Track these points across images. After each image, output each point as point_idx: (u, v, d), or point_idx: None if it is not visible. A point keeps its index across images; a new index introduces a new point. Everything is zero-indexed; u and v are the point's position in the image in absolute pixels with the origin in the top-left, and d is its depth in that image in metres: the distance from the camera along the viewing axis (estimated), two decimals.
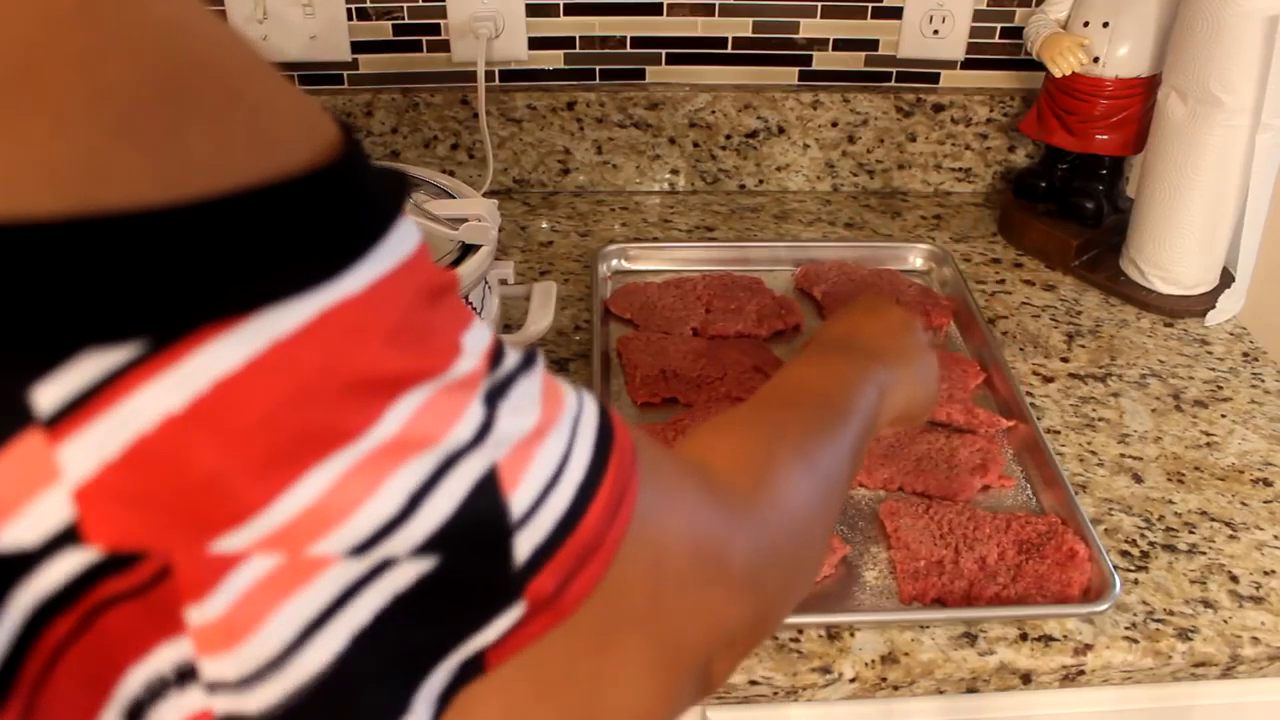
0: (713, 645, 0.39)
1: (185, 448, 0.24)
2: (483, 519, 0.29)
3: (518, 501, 0.30)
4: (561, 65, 1.25)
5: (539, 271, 1.14)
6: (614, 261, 1.15)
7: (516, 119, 1.24)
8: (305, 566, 0.26)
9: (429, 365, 0.28)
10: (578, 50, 1.24)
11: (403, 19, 1.21)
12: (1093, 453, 0.92)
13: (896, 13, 1.23)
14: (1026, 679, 0.74)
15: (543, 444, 0.32)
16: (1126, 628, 0.76)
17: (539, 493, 0.31)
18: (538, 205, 1.27)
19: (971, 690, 0.75)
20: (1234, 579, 0.80)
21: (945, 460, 0.88)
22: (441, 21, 1.21)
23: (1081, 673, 0.74)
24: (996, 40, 1.25)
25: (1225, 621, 0.77)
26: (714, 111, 1.25)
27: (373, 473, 0.27)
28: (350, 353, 0.26)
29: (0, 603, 0.23)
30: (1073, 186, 1.19)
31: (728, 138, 1.27)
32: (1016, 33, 1.24)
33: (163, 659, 0.25)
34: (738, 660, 0.42)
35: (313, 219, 0.26)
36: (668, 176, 1.30)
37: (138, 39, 0.24)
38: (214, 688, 0.26)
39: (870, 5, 1.22)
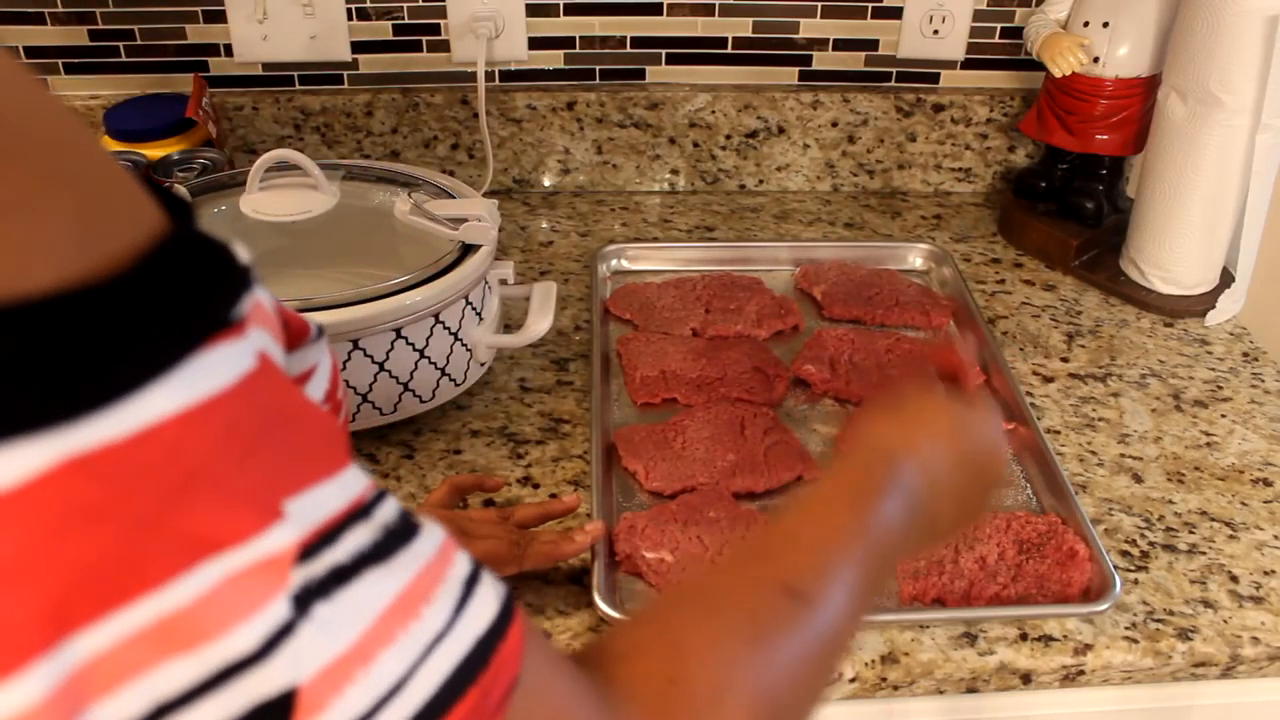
0: None
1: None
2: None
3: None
4: (561, 65, 1.25)
5: (539, 271, 1.14)
6: (613, 262, 1.15)
7: (516, 119, 1.24)
8: None
9: (216, 532, 0.23)
10: (578, 50, 1.24)
11: (403, 19, 1.21)
12: (1093, 453, 0.92)
13: (896, 13, 1.23)
14: (1026, 679, 0.74)
15: (369, 668, 0.25)
16: (1126, 628, 0.76)
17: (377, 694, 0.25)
18: (538, 205, 1.27)
19: (971, 690, 0.75)
20: (1234, 579, 0.80)
21: None
22: (441, 21, 1.21)
23: (1081, 673, 0.74)
24: (996, 40, 1.25)
25: (1225, 621, 0.77)
26: (714, 111, 1.25)
27: (114, 672, 0.21)
28: (100, 507, 0.21)
29: None
30: (1073, 186, 1.19)
31: (728, 138, 1.27)
32: (1016, 33, 1.24)
33: None
34: None
35: (57, 346, 0.21)
36: (668, 176, 1.30)
37: None
38: None
39: (870, 5, 1.22)
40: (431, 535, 0.29)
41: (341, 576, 0.25)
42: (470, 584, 0.30)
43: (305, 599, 0.24)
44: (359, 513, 0.27)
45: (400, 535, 0.28)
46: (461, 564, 0.30)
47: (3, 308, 0.21)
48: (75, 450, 0.21)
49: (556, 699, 0.32)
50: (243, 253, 0.28)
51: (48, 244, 0.22)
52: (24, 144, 0.23)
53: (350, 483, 0.27)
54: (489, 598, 0.30)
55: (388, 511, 0.28)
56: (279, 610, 0.23)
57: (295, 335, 0.37)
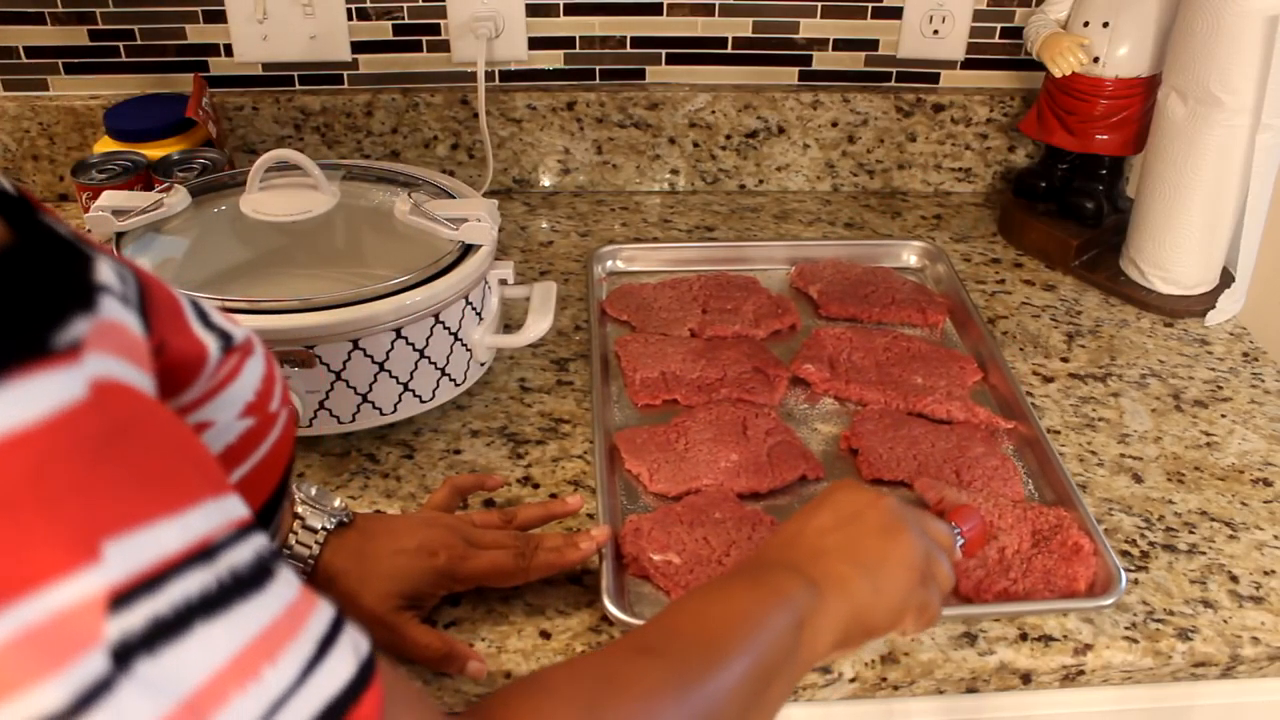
0: None
1: None
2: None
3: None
4: (561, 65, 1.25)
5: (539, 271, 1.14)
6: (609, 263, 1.15)
7: (516, 119, 1.24)
8: None
9: (11, 575, 0.21)
10: (578, 50, 1.24)
11: (403, 19, 1.21)
12: (1093, 453, 0.92)
13: (896, 13, 1.23)
14: (1026, 679, 0.74)
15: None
16: (1126, 628, 0.76)
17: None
18: (538, 205, 1.27)
19: (971, 690, 0.75)
20: (1234, 579, 0.80)
21: (952, 462, 0.88)
22: (441, 21, 1.21)
23: (1081, 673, 0.74)
24: (996, 40, 1.25)
25: (1225, 621, 0.77)
26: (714, 111, 1.25)
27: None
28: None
29: None
30: (1073, 186, 1.19)
31: (728, 138, 1.27)
32: (1016, 33, 1.24)
33: None
34: None
35: None
36: (668, 176, 1.30)
37: None
38: None
39: (870, 5, 1.22)
40: (285, 586, 0.27)
41: (165, 629, 0.23)
42: (326, 642, 0.27)
43: (125, 654, 0.22)
44: (199, 555, 0.24)
45: (247, 583, 0.26)
46: (319, 619, 0.28)
47: None
48: None
49: None
50: (103, 271, 0.26)
51: None
52: None
53: (199, 520, 0.25)
54: (345, 657, 0.27)
55: (240, 555, 0.26)
56: (93, 665, 0.21)
57: (189, 363, 0.35)
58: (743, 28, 1.23)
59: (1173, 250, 1.09)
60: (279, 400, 0.44)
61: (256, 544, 0.27)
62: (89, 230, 0.88)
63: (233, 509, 0.26)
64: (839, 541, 0.58)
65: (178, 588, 0.24)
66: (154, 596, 0.23)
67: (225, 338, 0.39)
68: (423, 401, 0.88)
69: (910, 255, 1.18)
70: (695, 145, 1.27)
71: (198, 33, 1.20)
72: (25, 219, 0.24)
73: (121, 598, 0.22)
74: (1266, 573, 0.81)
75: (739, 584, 0.54)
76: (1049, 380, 1.00)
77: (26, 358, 0.22)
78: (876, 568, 0.57)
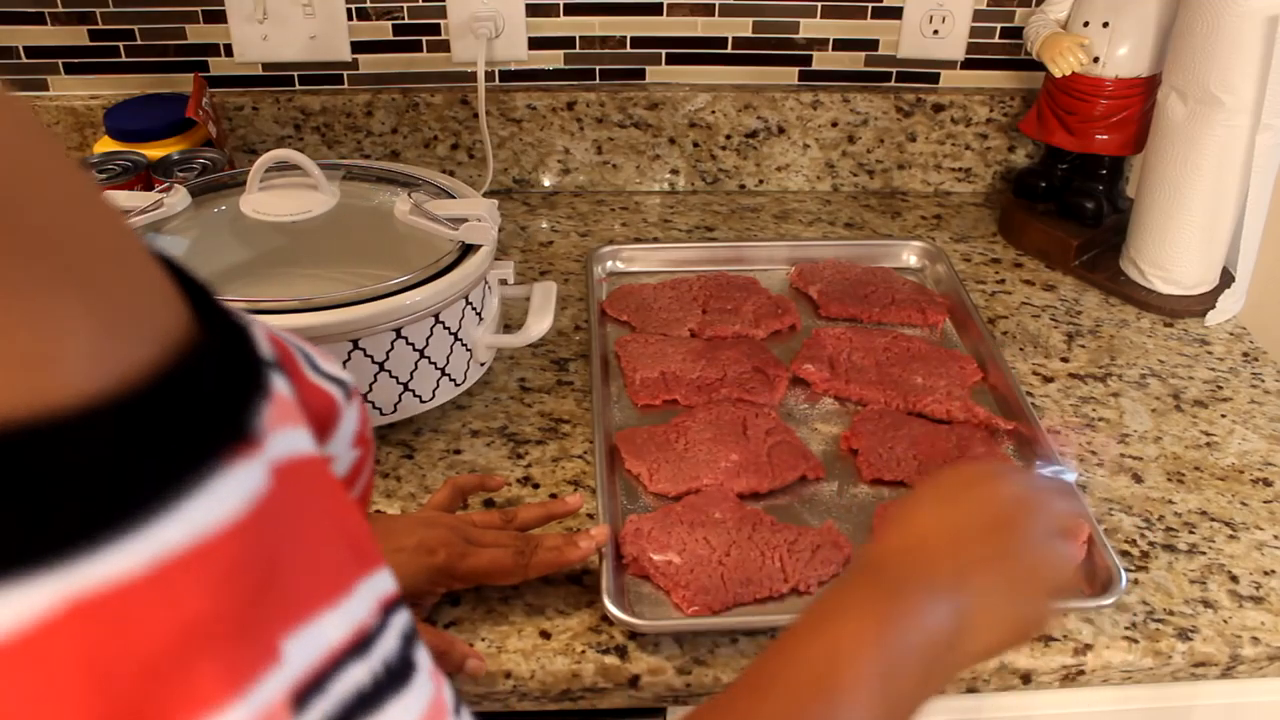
0: None
1: None
2: None
3: None
4: (561, 65, 1.25)
5: (539, 271, 1.14)
6: (609, 263, 1.15)
7: (516, 119, 1.24)
8: None
9: (210, 693, 0.21)
10: (578, 50, 1.24)
11: (403, 19, 1.21)
12: (1093, 453, 0.92)
13: (896, 13, 1.23)
14: (1026, 679, 0.74)
15: None
16: (1126, 628, 0.76)
17: None
18: (538, 205, 1.27)
19: (971, 690, 0.75)
20: (1234, 579, 0.80)
21: (952, 462, 0.88)
22: (441, 21, 1.21)
23: (1081, 673, 0.74)
24: (996, 40, 1.25)
25: (1225, 621, 0.77)
26: (714, 111, 1.25)
27: None
28: (102, 662, 0.19)
29: None
30: (1073, 186, 1.19)
31: (728, 138, 1.27)
32: (1016, 33, 1.24)
33: None
34: None
35: (60, 474, 0.20)
36: (668, 176, 1.30)
37: None
38: None
39: (870, 5, 1.22)
40: (426, 678, 0.27)
41: (347, 713, 0.23)
42: None
43: None
44: (358, 647, 0.24)
45: (397, 676, 0.25)
46: (451, 708, 0.28)
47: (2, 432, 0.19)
48: (73, 593, 0.19)
49: None
50: (261, 341, 0.26)
51: (56, 359, 0.20)
52: (39, 237, 0.21)
53: (357, 605, 0.24)
54: None
55: (389, 643, 0.26)
56: None
57: (320, 415, 0.35)
58: (743, 28, 1.24)
59: (1173, 250, 1.09)
60: (370, 429, 0.43)
61: (401, 624, 0.27)
62: None
63: (381, 585, 0.26)
64: (982, 554, 0.51)
65: (340, 685, 0.23)
66: (324, 696, 0.23)
67: (340, 384, 0.37)
68: (423, 401, 0.88)
69: (910, 255, 1.18)
70: (695, 145, 1.27)
71: (198, 33, 1.20)
72: (206, 304, 0.24)
73: (301, 698, 0.22)
74: (1266, 573, 0.81)
75: (842, 612, 0.48)
76: (1049, 380, 1.00)
77: (228, 448, 0.22)
78: (1023, 588, 0.52)
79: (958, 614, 0.48)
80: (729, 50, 1.25)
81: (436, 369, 0.88)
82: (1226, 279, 1.11)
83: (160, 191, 0.91)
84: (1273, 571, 0.81)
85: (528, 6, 1.20)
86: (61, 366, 0.20)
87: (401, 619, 0.27)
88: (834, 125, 1.27)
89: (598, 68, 1.25)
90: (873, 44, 1.25)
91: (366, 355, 0.83)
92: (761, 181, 1.30)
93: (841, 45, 1.25)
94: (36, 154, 0.21)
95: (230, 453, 0.22)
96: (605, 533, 0.76)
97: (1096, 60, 1.11)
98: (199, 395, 0.22)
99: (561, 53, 1.24)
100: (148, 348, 0.21)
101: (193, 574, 0.20)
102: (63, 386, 0.20)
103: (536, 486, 0.86)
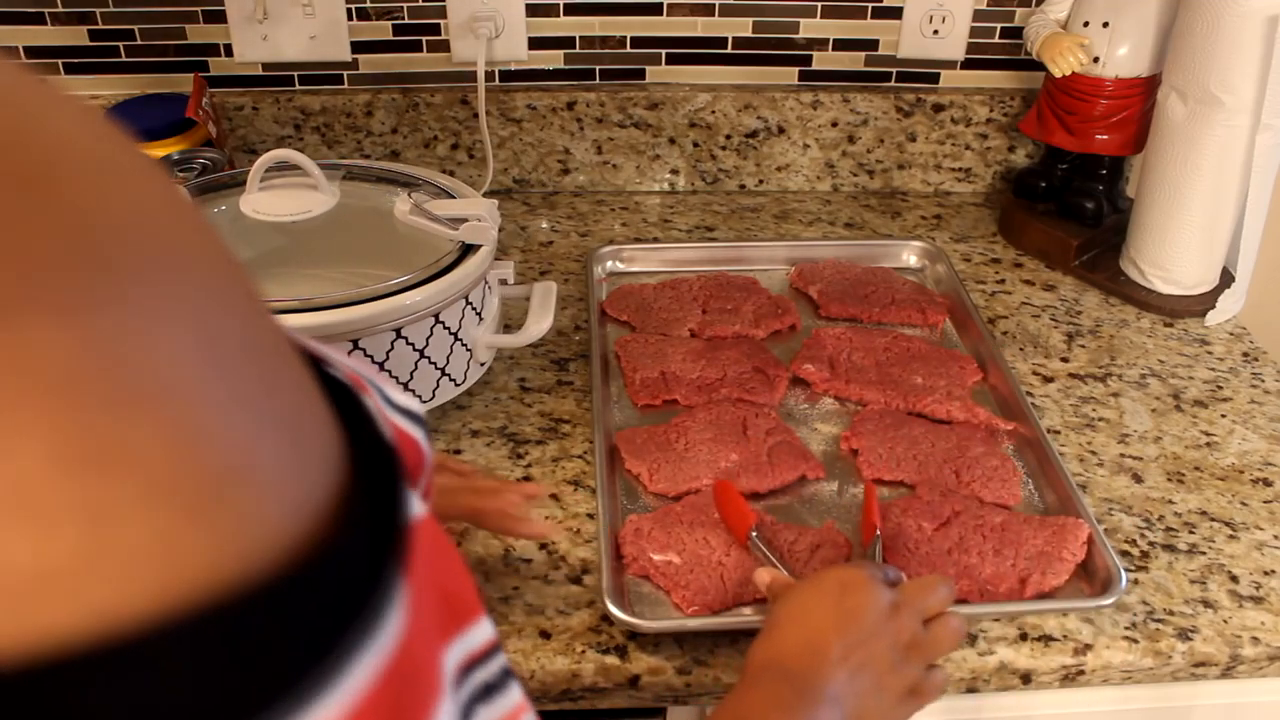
0: None
1: None
2: None
3: None
4: (561, 65, 1.25)
5: (539, 271, 1.14)
6: (608, 263, 1.15)
7: (516, 119, 1.24)
8: None
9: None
10: (578, 50, 1.24)
11: (403, 19, 1.21)
12: (1093, 453, 0.92)
13: (896, 13, 1.23)
14: (1026, 679, 0.74)
15: None
16: (1126, 628, 0.76)
17: None
18: (538, 205, 1.27)
19: (971, 690, 0.75)
20: (1234, 579, 0.80)
21: (952, 462, 0.88)
22: (441, 21, 1.21)
23: (1081, 673, 0.74)
24: (996, 40, 1.25)
25: (1225, 621, 0.77)
26: (714, 111, 1.25)
27: None
28: None
29: None
30: (1073, 186, 1.19)
31: (728, 138, 1.27)
32: (1016, 33, 1.24)
33: None
34: None
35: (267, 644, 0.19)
36: (668, 176, 1.30)
37: None
38: None
39: (870, 5, 1.22)
40: (514, 688, 0.30)
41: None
42: None
43: None
44: (480, 659, 0.28)
45: (495, 689, 0.28)
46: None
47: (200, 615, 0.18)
48: None
49: None
50: (389, 435, 0.26)
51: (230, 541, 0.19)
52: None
53: (476, 636, 0.28)
54: None
55: (491, 669, 0.29)
56: None
57: (414, 464, 0.34)
58: (743, 28, 1.24)
59: (1173, 250, 1.09)
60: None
61: (502, 661, 0.29)
62: None
63: (487, 630, 0.28)
64: (864, 660, 0.60)
65: (468, 687, 0.27)
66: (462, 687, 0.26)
67: (416, 419, 0.36)
68: (423, 401, 0.88)
69: (910, 255, 1.18)
70: (695, 145, 1.27)
71: (198, 33, 1.20)
72: (356, 414, 0.24)
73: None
74: (1266, 573, 0.81)
75: (776, 706, 0.56)
76: (1049, 380, 1.00)
77: (397, 576, 0.22)
78: (893, 695, 0.61)
79: (844, 715, 0.57)
80: (729, 50, 1.25)
81: (436, 369, 0.88)
82: (1226, 279, 1.11)
83: None
84: (1273, 571, 0.81)
85: (528, 6, 1.20)
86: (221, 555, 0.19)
87: (503, 659, 0.29)
88: (834, 125, 1.27)
89: (598, 68, 1.25)
90: (873, 44, 1.25)
91: (366, 355, 0.83)
92: (761, 181, 1.30)
93: (841, 45, 1.25)
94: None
95: (390, 593, 0.22)
96: (548, 531, 0.78)
97: (1096, 60, 1.11)
98: (368, 533, 0.22)
99: (561, 53, 1.24)
100: (308, 512, 0.20)
101: (383, 690, 0.21)
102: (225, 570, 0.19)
103: None
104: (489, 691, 0.28)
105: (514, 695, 0.29)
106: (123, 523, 0.17)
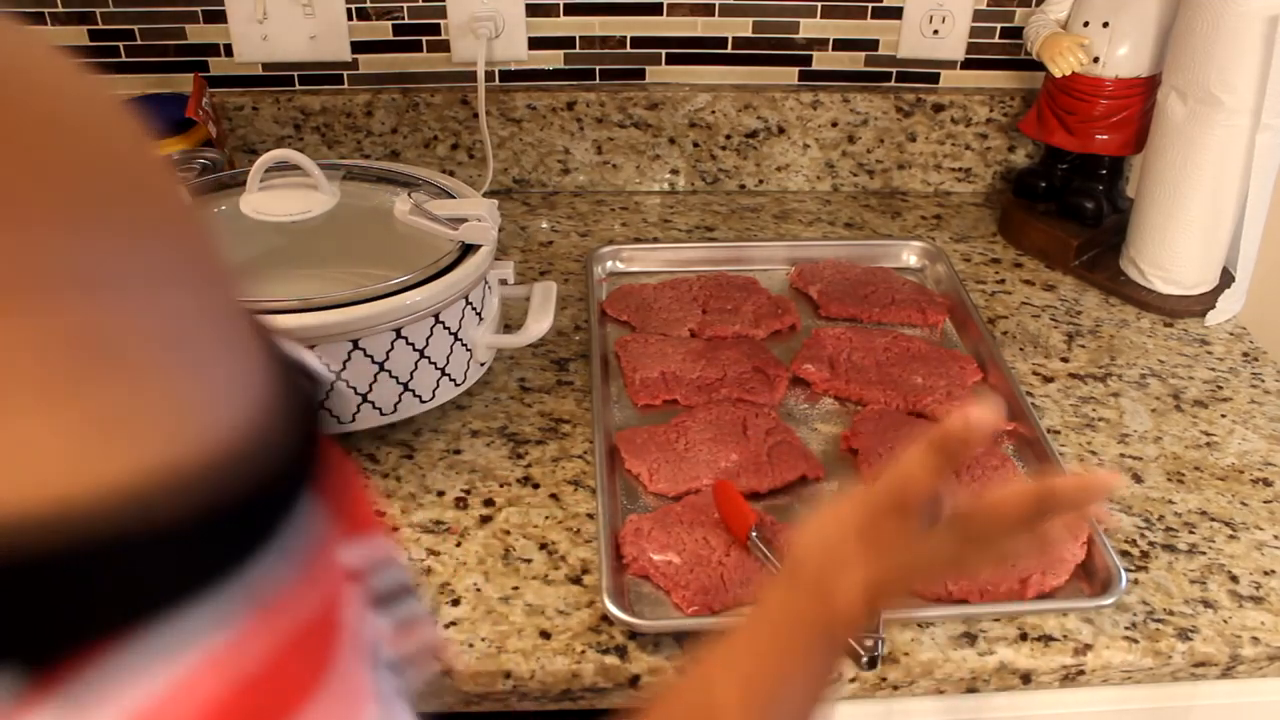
0: None
1: None
2: None
3: None
4: (561, 65, 1.25)
5: (539, 271, 1.14)
6: (609, 263, 1.15)
7: (516, 119, 1.24)
8: None
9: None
10: (578, 50, 1.24)
11: (403, 19, 1.21)
12: (1093, 453, 0.92)
13: (896, 13, 1.23)
14: (1026, 679, 0.74)
15: None
16: (1126, 628, 0.76)
17: None
18: (538, 205, 1.27)
19: (971, 690, 0.75)
20: (1234, 579, 0.80)
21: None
22: (441, 21, 1.21)
23: (1081, 673, 0.74)
24: (996, 40, 1.25)
25: (1225, 621, 0.77)
26: (714, 111, 1.25)
27: None
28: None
29: None
30: (1073, 186, 1.19)
31: (728, 138, 1.27)
32: (1016, 33, 1.24)
33: None
34: None
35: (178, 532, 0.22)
36: (668, 176, 1.30)
37: None
38: None
39: (870, 5, 1.22)
40: (415, 602, 0.33)
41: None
42: None
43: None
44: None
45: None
46: None
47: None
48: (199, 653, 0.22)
49: None
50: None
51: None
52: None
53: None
54: None
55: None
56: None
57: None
58: (743, 28, 1.23)
59: (1173, 250, 1.09)
60: None
61: (402, 577, 0.33)
62: None
63: (385, 547, 0.32)
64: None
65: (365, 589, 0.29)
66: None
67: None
68: (423, 401, 0.88)
69: (910, 255, 1.18)
70: (695, 145, 1.27)
71: (198, 33, 1.20)
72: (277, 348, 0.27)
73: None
74: (1266, 573, 0.81)
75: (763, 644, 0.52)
76: (1049, 380, 1.00)
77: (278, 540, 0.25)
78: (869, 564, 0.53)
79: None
80: (729, 50, 1.25)
81: (436, 369, 0.88)
82: (1226, 279, 1.11)
83: None
84: (1273, 571, 0.81)
85: (528, 6, 1.20)
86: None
87: (399, 576, 0.32)
88: (834, 125, 1.27)
89: (598, 68, 1.25)
90: (873, 44, 1.25)
91: (366, 355, 0.83)
92: (761, 181, 1.30)
93: (841, 45, 1.25)
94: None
95: (306, 489, 0.25)
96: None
97: (1096, 60, 1.11)
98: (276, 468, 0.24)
99: (561, 53, 1.24)
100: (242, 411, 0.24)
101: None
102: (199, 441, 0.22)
103: (536, 486, 0.86)
104: (388, 599, 0.30)
105: (415, 607, 0.32)
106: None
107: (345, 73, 1.23)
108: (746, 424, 0.90)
